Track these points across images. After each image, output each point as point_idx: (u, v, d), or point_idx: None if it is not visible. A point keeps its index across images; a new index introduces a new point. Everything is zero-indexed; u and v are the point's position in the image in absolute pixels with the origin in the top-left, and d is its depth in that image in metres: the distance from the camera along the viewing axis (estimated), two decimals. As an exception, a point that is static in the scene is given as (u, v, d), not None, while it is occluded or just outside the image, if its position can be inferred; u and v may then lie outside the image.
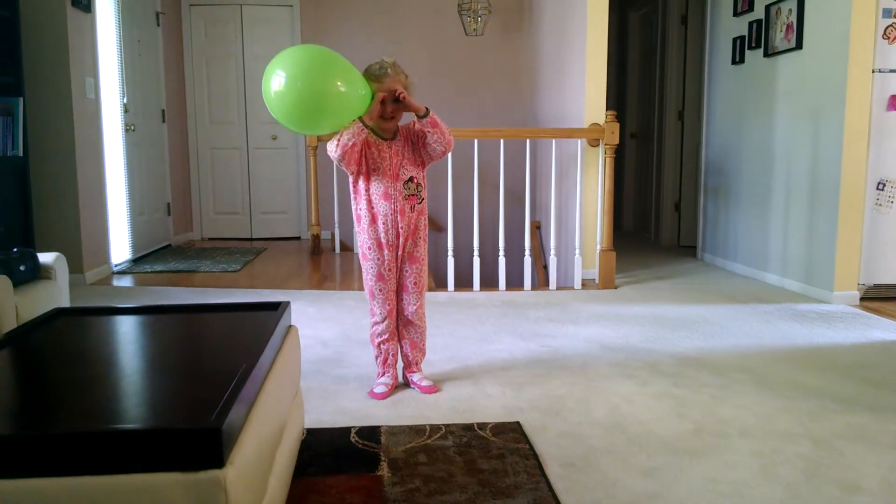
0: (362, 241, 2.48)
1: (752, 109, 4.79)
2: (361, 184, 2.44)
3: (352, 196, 2.49)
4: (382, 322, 2.53)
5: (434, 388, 2.53)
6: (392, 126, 2.42)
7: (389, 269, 2.49)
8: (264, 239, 6.66)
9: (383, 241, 2.45)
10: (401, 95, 2.31)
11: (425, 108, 2.35)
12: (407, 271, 2.51)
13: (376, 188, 2.42)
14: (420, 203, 2.47)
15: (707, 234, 5.48)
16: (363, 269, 2.53)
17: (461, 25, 6.31)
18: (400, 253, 2.48)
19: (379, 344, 2.55)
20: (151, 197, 5.69)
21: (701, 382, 2.63)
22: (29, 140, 4.01)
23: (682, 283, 4.63)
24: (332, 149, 2.33)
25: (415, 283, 2.52)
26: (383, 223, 2.44)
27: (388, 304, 2.52)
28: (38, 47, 4.18)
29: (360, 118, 2.30)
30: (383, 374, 2.55)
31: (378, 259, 2.47)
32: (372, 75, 2.34)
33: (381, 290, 2.50)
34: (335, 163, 2.38)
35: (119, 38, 5.04)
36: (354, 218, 2.51)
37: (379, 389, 2.50)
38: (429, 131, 2.36)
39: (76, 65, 4.33)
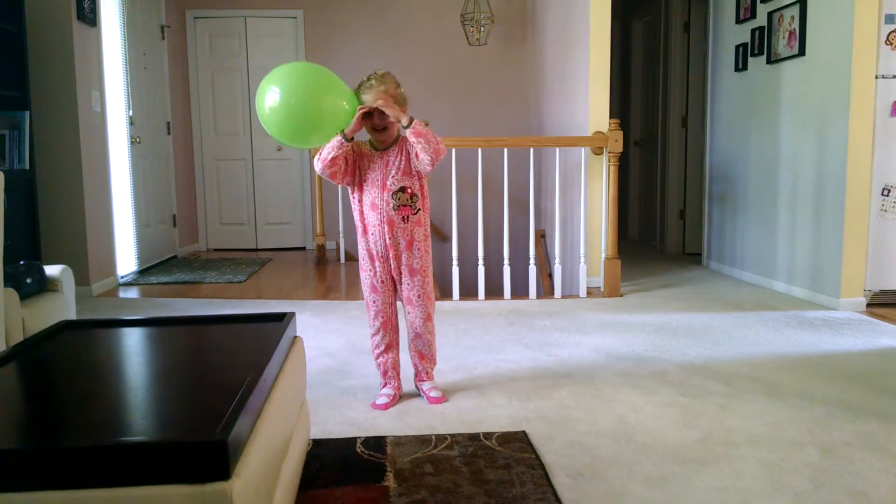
0: (359, 251, 2.51)
1: (755, 116, 4.79)
2: (356, 194, 2.46)
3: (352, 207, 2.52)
4: (377, 334, 2.53)
5: (442, 398, 2.52)
6: (385, 137, 2.41)
7: (382, 282, 2.48)
8: (270, 249, 6.68)
9: (374, 252, 2.45)
10: (378, 106, 2.30)
11: (409, 118, 2.32)
12: (409, 284, 2.48)
13: (366, 199, 2.43)
14: (415, 214, 2.43)
15: (712, 242, 5.47)
16: (361, 280, 2.54)
17: (464, 35, 6.34)
18: (395, 265, 2.46)
19: (377, 356, 2.55)
20: (157, 209, 5.72)
21: (708, 391, 2.62)
22: (35, 153, 4.04)
23: (688, 290, 4.62)
24: (316, 162, 2.38)
25: (419, 296, 2.49)
26: (372, 234, 2.44)
27: (382, 317, 2.51)
28: (44, 61, 4.21)
29: (342, 132, 2.32)
30: (385, 385, 2.55)
31: (370, 270, 2.48)
32: (359, 89, 2.38)
33: (374, 302, 2.50)
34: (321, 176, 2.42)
35: (124, 52, 5.08)
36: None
37: (380, 401, 2.49)
38: (413, 141, 2.32)
39: (82, 78, 4.36)
